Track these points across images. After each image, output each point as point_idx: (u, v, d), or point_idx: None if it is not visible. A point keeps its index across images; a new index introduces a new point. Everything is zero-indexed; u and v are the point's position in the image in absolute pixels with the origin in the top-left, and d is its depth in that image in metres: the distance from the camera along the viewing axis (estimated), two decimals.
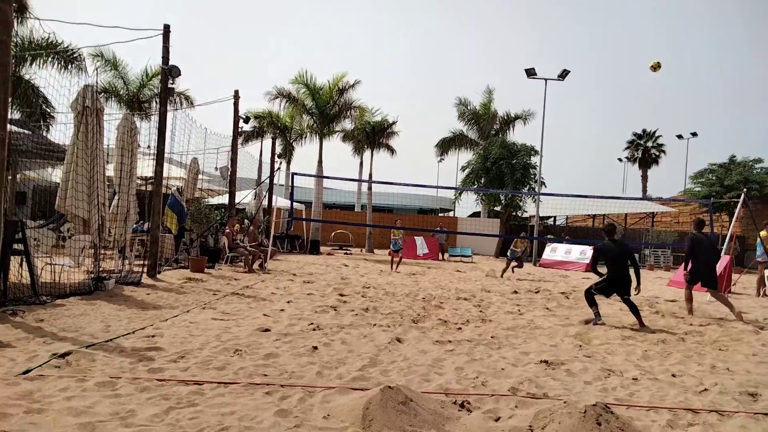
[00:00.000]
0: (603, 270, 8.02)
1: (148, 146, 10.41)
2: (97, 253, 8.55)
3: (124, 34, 10.42)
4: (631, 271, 7.81)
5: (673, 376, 5.02)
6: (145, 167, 12.09)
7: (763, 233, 13.79)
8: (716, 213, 28.27)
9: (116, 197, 9.30)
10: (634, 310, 7.78)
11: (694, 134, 44.84)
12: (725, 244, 13.08)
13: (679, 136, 45.56)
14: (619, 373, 5.01)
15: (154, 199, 10.47)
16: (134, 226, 11.74)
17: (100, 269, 8.67)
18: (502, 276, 15.03)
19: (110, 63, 22.07)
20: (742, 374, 5.17)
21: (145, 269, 10.08)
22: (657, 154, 47.02)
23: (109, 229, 8.94)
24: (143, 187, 15.25)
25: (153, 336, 5.52)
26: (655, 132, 46.76)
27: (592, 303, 7.91)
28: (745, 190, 14.37)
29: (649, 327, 7.51)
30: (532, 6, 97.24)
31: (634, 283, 7.81)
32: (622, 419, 3.36)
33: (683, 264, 9.28)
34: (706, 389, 4.57)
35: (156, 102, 20.11)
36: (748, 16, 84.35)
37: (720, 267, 12.82)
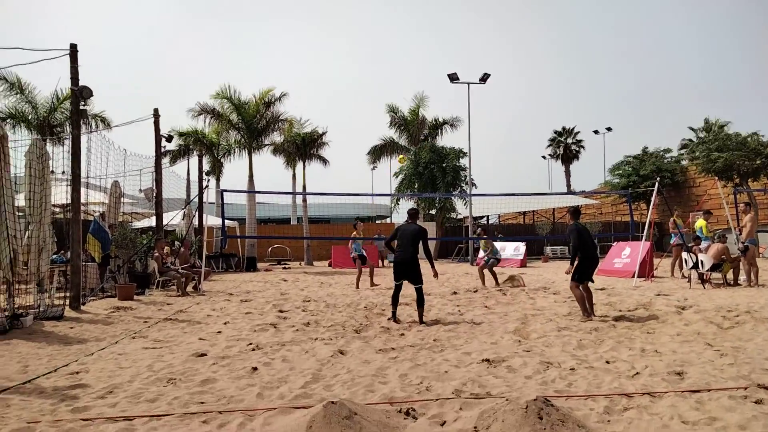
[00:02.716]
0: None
1: (62, 172, 9.78)
2: (10, 288, 7.94)
3: (28, 56, 9.73)
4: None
5: (607, 362, 5.21)
6: (61, 194, 11.37)
7: (676, 219, 14.71)
8: (635, 202, 29.87)
9: (29, 228, 8.67)
10: (420, 302, 7.83)
11: (609, 129, 47.48)
12: (645, 231, 13.81)
13: (596, 132, 48.12)
14: (557, 365, 5.14)
15: (73, 227, 9.85)
16: (53, 256, 10.99)
17: (16, 306, 8.05)
18: (497, 284, 13.10)
19: (15, 87, 20.75)
20: (669, 355, 5.45)
21: (68, 301, 9.46)
22: (577, 149, 49.34)
23: (23, 262, 8.31)
24: (61, 215, 14.35)
25: (77, 372, 5.16)
26: (573, 129, 49.12)
27: (394, 301, 8.02)
28: (658, 179, 15.25)
29: (427, 324, 7.58)
30: (452, 14, 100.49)
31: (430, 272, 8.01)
32: (562, 411, 3.43)
33: (572, 258, 7.97)
34: (637, 373, 4.77)
35: (69, 125, 19.02)
36: (652, 18, 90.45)
37: (642, 253, 13.62)
